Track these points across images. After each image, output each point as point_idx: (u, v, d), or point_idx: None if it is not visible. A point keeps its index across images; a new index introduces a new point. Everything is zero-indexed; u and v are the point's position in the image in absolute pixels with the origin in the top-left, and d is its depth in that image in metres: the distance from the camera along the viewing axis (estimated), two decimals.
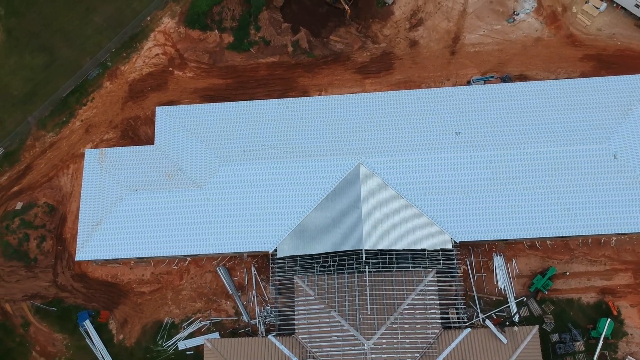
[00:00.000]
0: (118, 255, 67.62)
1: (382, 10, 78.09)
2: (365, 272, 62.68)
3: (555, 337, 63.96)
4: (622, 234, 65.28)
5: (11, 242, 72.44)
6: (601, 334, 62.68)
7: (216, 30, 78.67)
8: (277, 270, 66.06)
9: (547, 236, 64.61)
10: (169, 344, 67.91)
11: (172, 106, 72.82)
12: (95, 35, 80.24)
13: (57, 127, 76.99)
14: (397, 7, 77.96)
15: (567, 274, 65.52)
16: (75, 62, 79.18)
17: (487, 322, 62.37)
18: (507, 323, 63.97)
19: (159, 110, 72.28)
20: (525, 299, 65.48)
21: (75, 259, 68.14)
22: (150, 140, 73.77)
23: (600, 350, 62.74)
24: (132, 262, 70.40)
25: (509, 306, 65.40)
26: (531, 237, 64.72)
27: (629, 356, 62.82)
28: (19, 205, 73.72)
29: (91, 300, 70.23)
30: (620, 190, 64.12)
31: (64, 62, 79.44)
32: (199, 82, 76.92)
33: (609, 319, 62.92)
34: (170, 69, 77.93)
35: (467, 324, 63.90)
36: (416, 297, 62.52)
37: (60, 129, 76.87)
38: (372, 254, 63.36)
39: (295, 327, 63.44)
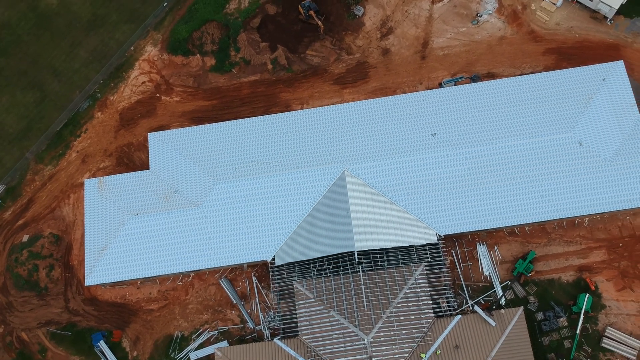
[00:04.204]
0: (125, 277, 70.92)
1: (353, 23, 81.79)
2: (359, 272, 66.48)
3: (540, 316, 67.86)
4: (593, 214, 69.48)
5: (21, 273, 75.51)
6: (582, 309, 66.71)
7: (198, 55, 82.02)
8: (276, 277, 69.60)
9: (525, 222, 68.68)
10: (181, 356, 70.96)
11: (163, 131, 76.00)
12: (82, 68, 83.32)
13: (54, 159, 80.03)
14: (367, 18, 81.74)
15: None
16: (66, 96, 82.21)
17: (476, 307, 66.33)
18: (494, 307, 68.13)
19: (151, 136, 75.56)
20: (509, 282, 69.42)
21: (85, 284, 71.22)
22: (145, 165, 77.02)
23: (582, 323, 66.85)
24: (139, 282, 73.66)
25: (495, 291, 69.28)
26: (510, 224, 68.76)
27: (608, 327, 66.75)
28: (25, 238, 76.83)
29: (103, 322, 73.28)
30: (588, 174, 68.38)
31: (55, 97, 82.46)
32: (186, 105, 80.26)
33: (588, 294, 66.92)
34: (158, 95, 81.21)
35: (457, 311, 67.80)
36: (408, 291, 66.39)
37: (57, 161, 79.88)
38: (364, 254, 67.12)
39: (298, 329, 66.99)
